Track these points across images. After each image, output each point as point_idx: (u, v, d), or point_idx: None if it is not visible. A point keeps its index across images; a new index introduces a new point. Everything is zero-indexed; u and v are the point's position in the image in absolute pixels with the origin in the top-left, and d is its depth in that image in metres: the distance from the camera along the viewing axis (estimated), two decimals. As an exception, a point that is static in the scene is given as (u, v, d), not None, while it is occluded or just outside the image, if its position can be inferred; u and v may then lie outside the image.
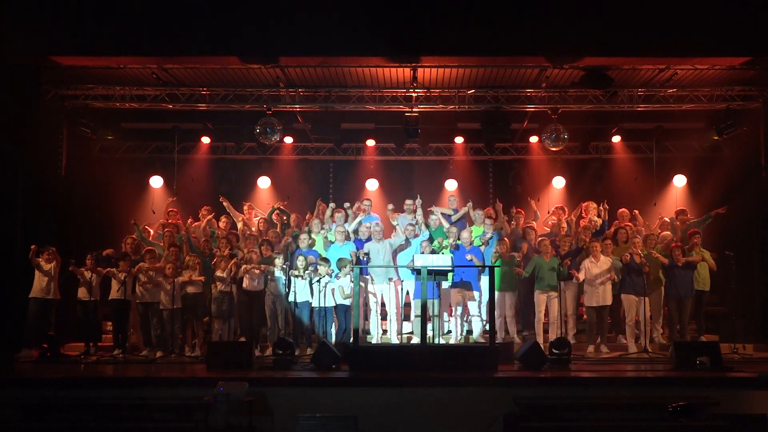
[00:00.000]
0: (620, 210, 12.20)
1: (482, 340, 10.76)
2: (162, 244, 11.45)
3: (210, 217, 12.44)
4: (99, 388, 8.63)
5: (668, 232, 11.94)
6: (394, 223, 11.84)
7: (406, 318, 11.42)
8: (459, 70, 11.81)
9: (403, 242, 11.31)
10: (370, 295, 11.13)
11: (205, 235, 11.88)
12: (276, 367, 9.39)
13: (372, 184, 14.20)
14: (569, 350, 9.73)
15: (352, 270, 10.21)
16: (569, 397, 8.41)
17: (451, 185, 14.17)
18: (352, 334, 10.05)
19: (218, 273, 10.73)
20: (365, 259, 11.16)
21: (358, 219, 11.81)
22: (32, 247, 10.51)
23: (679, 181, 13.78)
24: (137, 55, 10.54)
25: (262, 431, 8.13)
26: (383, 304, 11.21)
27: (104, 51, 10.24)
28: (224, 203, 12.57)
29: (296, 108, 12.69)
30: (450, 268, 10.00)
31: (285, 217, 12.21)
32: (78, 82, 12.16)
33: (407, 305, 11.39)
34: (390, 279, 11.08)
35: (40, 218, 11.19)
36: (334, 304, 10.53)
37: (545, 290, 10.88)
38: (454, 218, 12.20)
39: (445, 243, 11.22)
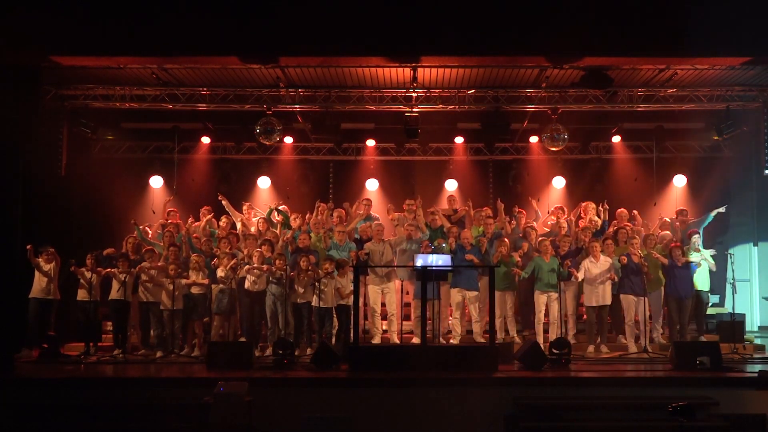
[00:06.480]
0: (618, 210, 12.19)
1: (482, 340, 10.76)
2: (162, 244, 11.45)
3: (210, 217, 12.43)
4: (99, 388, 8.64)
5: (668, 232, 11.94)
6: (395, 223, 11.81)
7: (406, 318, 11.41)
8: (459, 70, 11.81)
9: (414, 247, 11.21)
10: (370, 295, 11.11)
11: (205, 235, 11.87)
12: (276, 367, 9.40)
13: (372, 184, 14.18)
14: (569, 350, 9.74)
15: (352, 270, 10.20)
16: (569, 397, 8.42)
17: (451, 185, 14.16)
18: (352, 334, 10.05)
19: (219, 273, 10.74)
20: (365, 259, 11.14)
21: (357, 219, 11.80)
22: (28, 247, 10.51)
23: (679, 181, 13.78)
24: (137, 55, 10.53)
25: (262, 431, 8.14)
26: (383, 304, 11.21)
27: (104, 51, 10.23)
28: (223, 202, 12.55)
29: (296, 108, 12.69)
30: (450, 268, 9.98)
31: (283, 217, 12.20)
32: (78, 82, 12.16)
33: (407, 305, 11.38)
34: (390, 279, 11.08)
35: (40, 218, 11.19)
36: (334, 304, 10.53)
37: (545, 290, 10.87)
38: (454, 218, 12.20)
39: (444, 243, 11.21)
